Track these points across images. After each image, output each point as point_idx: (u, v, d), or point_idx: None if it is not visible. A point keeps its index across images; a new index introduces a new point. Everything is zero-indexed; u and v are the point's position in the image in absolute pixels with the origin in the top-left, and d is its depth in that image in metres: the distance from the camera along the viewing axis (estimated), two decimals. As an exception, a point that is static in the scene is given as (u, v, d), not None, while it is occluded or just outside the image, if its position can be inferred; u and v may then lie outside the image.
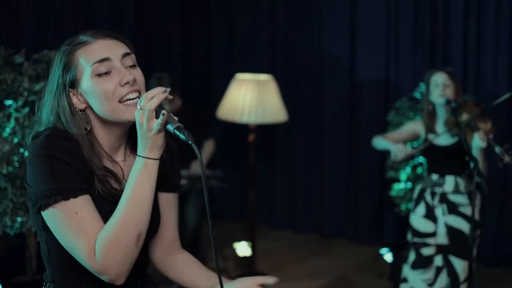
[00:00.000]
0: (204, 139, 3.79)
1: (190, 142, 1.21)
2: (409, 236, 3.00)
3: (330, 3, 4.82)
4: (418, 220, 2.92)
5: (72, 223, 1.20)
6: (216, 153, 5.26)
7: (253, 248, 4.13)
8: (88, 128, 1.30)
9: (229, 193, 5.56)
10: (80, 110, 1.31)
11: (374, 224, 4.80)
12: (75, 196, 1.21)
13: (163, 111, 1.20)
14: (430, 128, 2.92)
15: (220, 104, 4.02)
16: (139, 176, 1.23)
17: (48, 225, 1.24)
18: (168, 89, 1.24)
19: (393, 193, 3.74)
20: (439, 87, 2.80)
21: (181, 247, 1.55)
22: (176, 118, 1.24)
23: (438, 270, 2.84)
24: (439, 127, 2.92)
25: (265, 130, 5.21)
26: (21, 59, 3.27)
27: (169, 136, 1.26)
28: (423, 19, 4.43)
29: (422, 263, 2.87)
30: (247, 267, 4.18)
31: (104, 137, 1.33)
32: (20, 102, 3.08)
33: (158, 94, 1.22)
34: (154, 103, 1.21)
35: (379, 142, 3.06)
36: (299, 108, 5.11)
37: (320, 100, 5.01)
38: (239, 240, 4.42)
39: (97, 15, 4.64)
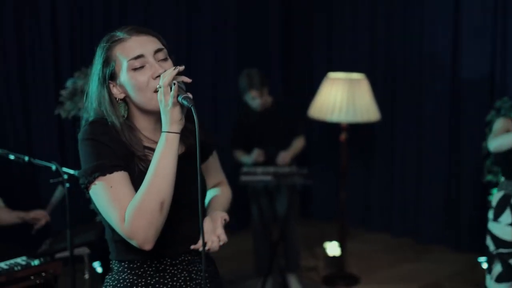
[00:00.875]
0: (294, 136, 3.82)
1: (190, 106, 1.32)
2: (491, 247, 2.80)
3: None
4: (503, 229, 2.72)
5: (108, 195, 1.34)
6: (307, 151, 5.31)
7: (343, 248, 4.10)
8: (125, 116, 1.43)
9: (324, 193, 5.56)
10: (120, 99, 1.44)
11: (476, 231, 4.52)
12: (110, 172, 1.34)
13: (173, 81, 1.32)
14: None
15: (312, 102, 4.04)
16: (162, 149, 1.34)
17: (93, 201, 1.38)
18: (182, 67, 1.36)
19: (491, 198, 3.51)
20: None
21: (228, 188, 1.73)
22: (188, 94, 1.36)
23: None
24: None
25: (360, 130, 5.14)
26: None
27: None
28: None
29: (510, 275, 2.67)
30: (336, 267, 4.15)
31: (142, 122, 1.46)
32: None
33: (170, 70, 1.34)
34: (167, 79, 1.33)
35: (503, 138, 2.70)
36: (398, 107, 4.97)
37: (419, 99, 4.82)
38: (331, 240, 4.41)
39: (202, 13, 4.85)
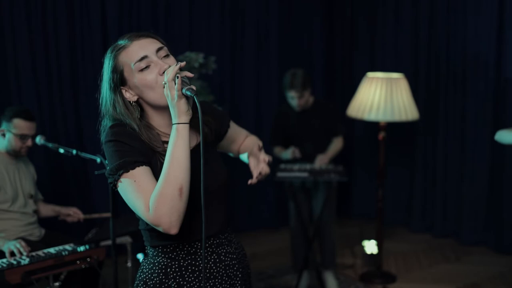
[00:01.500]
0: (333, 136, 3.87)
1: (193, 96, 1.42)
2: None
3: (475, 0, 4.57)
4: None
5: (133, 189, 1.44)
6: (349, 150, 5.35)
7: (380, 246, 4.12)
8: (138, 116, 1.54)
9: (365, 192, 5.58)
10: (134, 102, 1.55)
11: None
12: (133, 168, 1.45)
13: (170, 70, 1.44)
14: None
15: (351, 102, 4.09)
16: (174, 140, 1.44)
17: (123, 197, 1.49)
18: (183, 63, 1.46)
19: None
20: None
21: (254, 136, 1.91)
22: (192, 86, 1.45)
23: None
24: None
25: (403, 129, 5.13)
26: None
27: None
28: None
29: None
30: (373, 265, 4.18)
31: (157, 120, 1.56)
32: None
33: (173, 67, 1.44)
34: (171, 75, 1.43)
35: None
36: (441, 107, 4.93)
37: (462, 99, 4.78)
38: (371, 239, 4.44)
39: (245, 14, 4.99)
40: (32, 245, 2.76)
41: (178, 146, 1.43)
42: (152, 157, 1.51)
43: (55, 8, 4.06)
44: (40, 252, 2.64)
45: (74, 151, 2.83)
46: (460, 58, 4.76)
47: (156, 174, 1.47)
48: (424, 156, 5.13)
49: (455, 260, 4.48)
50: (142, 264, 1.64)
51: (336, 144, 3.88)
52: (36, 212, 3.05)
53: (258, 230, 5.16)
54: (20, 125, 2.88)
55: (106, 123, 1.56)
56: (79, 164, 4.11)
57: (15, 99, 3.90)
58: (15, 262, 2.44)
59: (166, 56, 1.54)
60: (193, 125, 1.48)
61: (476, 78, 4.65)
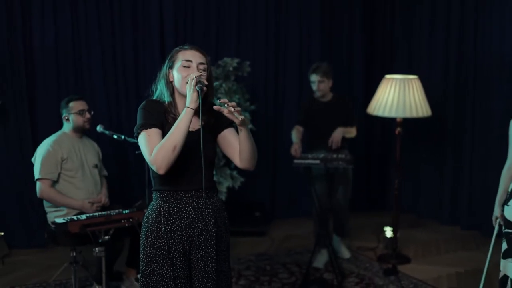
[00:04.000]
0: (348, 126, 4.40)
1: (197, 88, 2.09)
2: (503, 227, 3.14)
3: (496, 2, 4.89)
4: (510, 211, 3.06)
5: (146, 140, 2.15)
6: (383, 149, 5.79)
7: (395, 232, 4.57)
8: (170, 94, 2.27)
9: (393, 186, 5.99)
10: (170, 82, 2.27)
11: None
12: (150, 128, 2.17)
13: (192, 75, 2.14)
14: None
15: (371, 100, 4.58)
16: (182, 116, 2.12)
17: (140, 145, 2.19)
18: (205, 72, 2.19)
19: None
20: None
21: None
22: (202, 84, 2.13)
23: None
24: None
25: (433, 125, 5.50)
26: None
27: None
28: None
29: (513, 252, 3.00)
30: (391, 249, 4.63)
31: (179, 104, 2.27)
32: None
33: (196, 73, 2.16)
34: (193, 77, 2.15)
35: None
36: (468, 104, 5.28)
37: (488, 97, 5.10)
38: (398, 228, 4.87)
39: (289, 15, 5.61)
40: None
41: (182, 120, 2.12)
42: (165, 125, 2.22)
43: (121, 20, 4.92)
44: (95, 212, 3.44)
45: (123, 137, 3.59)
46: (487, 59, 5.09)
47: (164, 135, 2.17)
48: (453, 153, 5.47)
49: (473, 249, 4.80)
50: (149, 206, 2.32)
51: (350, 132, 4.42)
52: (99, 180, 3.84)
53: (297, 217, 5.72)
54: (75, 105, 3.70)
55: (148, 95, 2.34)
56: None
57: (87, 96, 4.76)
58: (75, 218, 3.22)
59: (203, 68, 2.25)
60: (199, 115, 2.14)
61: (501, 79, 4.96)
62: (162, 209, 2.24)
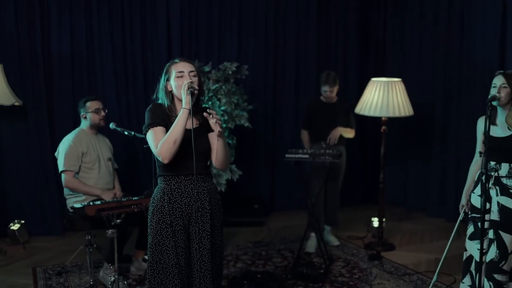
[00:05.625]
0: (348, 127, 4.91)
1: (189, 92, 2.56)
2: (469, 212, 3.54)
3: (480, 12, 5.30)
4: (475, 199, 3.46)
5: (152, 137, 2.61)
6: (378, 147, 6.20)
7: (381, 222, 4.98)
8: (170, 99, 2.70)
9: (393, 182, 6.39)
10: (169, 91, 2.70)
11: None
12: (156, 126, 2.63)
13: (185, 82, 2.59)
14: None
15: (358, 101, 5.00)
16: (179, 116, 2.57)
17: (148, 141, 2.65)
18: (195, 79, 2.65)
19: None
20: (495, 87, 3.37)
21: None
22: (195, 91, 2.58)
23: (490, 242, 3.34)
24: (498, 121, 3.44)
25: (420, 126, 5.90)
26: (208, 68, 4.83)
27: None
28: None
29: (478, 235, 3.39)
30: (377, 237, 5.03)
31: (178, 106, 2.71)
32: (206, 97, 4.61)
33: (188, 81, 2.60)
34: (186, 83, 2.59)
35: None
36: (453, 107, 5.68)
37: (471, 99, 5.50)
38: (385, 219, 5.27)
39: (287, 19, 6.04)
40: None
41: (180, 119, 2.57)
42: (168, 123, 2.65)
43: (131, 27, 5.38)
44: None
45: (133, 133, 4.04)
46: (471, 64, 5.50)
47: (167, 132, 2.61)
48: (440, 150, 5.88)
49: (455, 238, 5.18)
50: (154, 190, 2.75)
51: (349, 133, 4.92)
52: (112, 172, 4.29)
53: (295, 210, 6.13)
54: (92, 104, 4.16)
55: (152, 100, 2.79)
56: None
57: (99, 97, 5.19)
58: (91, 203, 3.66)
59: (194, 74, 2.68)
60: (194, 115, 2.59)
61: (484, 81, 5.35)
62: (166, 190, 2.68)
